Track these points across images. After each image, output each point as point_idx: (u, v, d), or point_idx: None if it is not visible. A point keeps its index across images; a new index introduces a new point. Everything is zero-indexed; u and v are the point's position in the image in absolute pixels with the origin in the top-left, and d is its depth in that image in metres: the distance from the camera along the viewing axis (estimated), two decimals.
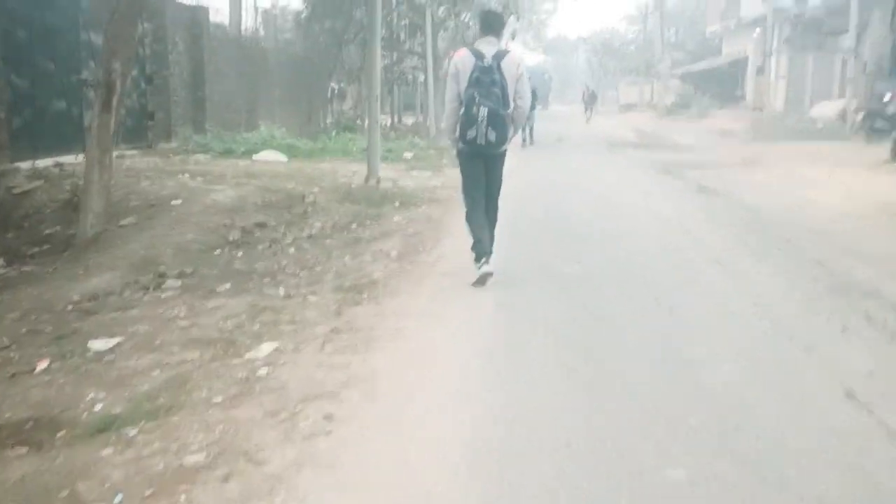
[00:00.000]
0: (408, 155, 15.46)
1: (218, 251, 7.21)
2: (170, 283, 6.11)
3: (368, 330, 4.65)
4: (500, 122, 5.56)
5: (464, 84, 5.61)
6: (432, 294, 5.47)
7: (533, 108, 19.19)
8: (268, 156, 13.86)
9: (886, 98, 20.20)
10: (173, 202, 8.70)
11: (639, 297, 5.25)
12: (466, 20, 24.91)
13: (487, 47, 5.70)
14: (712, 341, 4.32)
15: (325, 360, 4.20)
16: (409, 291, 5.53)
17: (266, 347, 4.50)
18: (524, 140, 19.38)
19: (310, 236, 7.89)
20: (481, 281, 5.64)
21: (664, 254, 6.61)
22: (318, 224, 8.35)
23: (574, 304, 5.09)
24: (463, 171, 5.98)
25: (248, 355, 4.36)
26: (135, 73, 14.00)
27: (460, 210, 6.27)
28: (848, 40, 30.82)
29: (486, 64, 5.55)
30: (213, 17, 17.47)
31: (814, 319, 4.67)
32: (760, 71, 39.34)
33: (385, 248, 7.14)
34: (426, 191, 10.86)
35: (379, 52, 9.50)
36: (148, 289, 5.93)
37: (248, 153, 14.05)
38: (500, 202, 6.08)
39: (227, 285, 5.99)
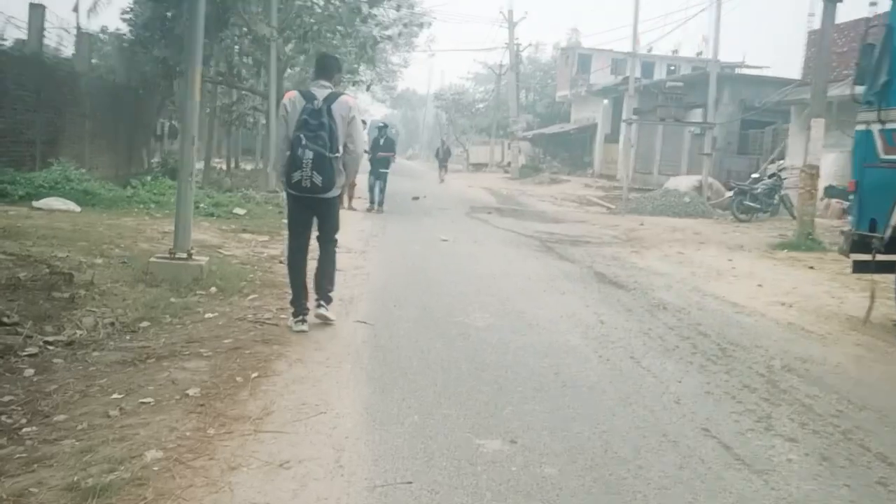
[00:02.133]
0: (240, 211, 12.67)
1: None
2: None
3: None
4: (326, 166, 5.42)
5: (293, 126, 5.49)
6: None
7: (387, 166, 16.77)
8: (54, 203, 10.76)
9: (755, 176, 19.51)
10: None
11: None
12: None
13: (319, 90, 5.58)
14: None
15: None
16: None
17: None
18: (373, 203, 16.59)
19: (70, 343, 5.14)
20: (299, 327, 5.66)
21: (629, 415, 4.33)
22: (90, 321, 5.57)
23: None
24: (288, 215, 5.88)
25: None
26: None
27: None
28: (704, 115, 30.96)
29: (315, 106, 5.45)
30: (5, 30, 14.15)
31: None
32: (609, 139, 39.27)
33: (183, 376, 4.49)
34: (258, 266, 8.22)
35: (199, 80, 6.91)
36: None
37: (30, 198, 10.90)
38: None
39: None
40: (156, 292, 6.37)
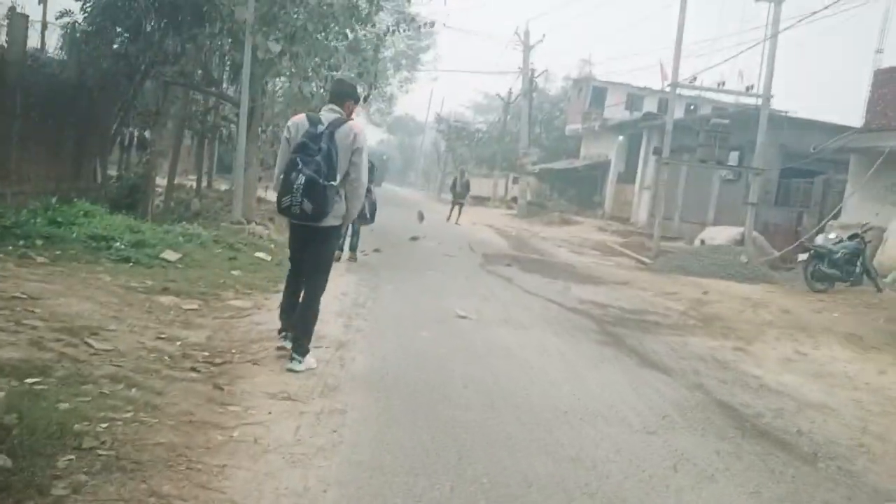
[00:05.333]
0: (170, 256, 8.77)
1: None
2: None
3: None
4: (319, 193, 5.10)
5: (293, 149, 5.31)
6: None
7: (362, 198, 12.38)
8: None
9: (832, 236, 15.88)
10: None
11: None
12: (313, 69, 18.63)
13: (328, 114, 5.37)
14: None
15: None
16: None
17: None
18: (341, 249, 11.26)
19: None
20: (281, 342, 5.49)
21: None
22: None
23: None
24: (289, 237, 5.82)
25: None
26: None
27: None
28: (740, 159, 27.68)
29: (317, 130, 5.22)
30: None
31: None
32: (622, 178, 35.78)
33: None
34: (144, 388, 4.36)
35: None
36: None
37: None
38: None
39: None
40: None
